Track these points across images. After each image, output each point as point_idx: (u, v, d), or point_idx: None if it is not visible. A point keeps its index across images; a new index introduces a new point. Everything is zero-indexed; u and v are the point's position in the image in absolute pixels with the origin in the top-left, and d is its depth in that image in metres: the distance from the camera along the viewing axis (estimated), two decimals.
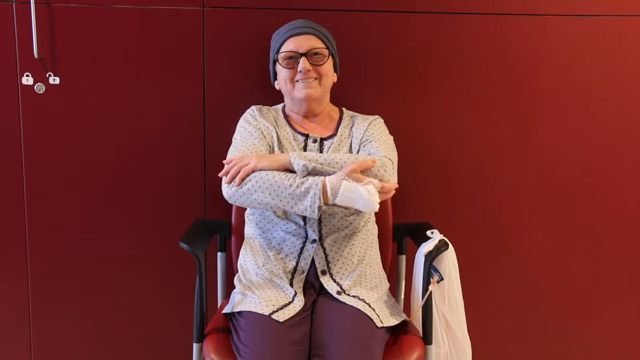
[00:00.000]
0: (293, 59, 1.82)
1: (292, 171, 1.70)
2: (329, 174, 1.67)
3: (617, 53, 2.13)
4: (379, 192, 1.66)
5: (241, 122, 1.90)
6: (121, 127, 2.11)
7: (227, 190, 1.73)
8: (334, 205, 1.69)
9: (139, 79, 2.08)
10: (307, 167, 1.66)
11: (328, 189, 1.64)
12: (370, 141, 1.82)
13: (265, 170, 1.69)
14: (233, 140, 1.87)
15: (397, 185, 1.73)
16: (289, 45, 1.83)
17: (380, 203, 1.66)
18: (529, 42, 2.11)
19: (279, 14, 2.04)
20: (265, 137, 1.83)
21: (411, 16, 2.08)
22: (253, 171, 1.70)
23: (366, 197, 1.61)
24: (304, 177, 1.66)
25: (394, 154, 1.81)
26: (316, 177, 1.66)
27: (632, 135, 2.18)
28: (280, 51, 1.84)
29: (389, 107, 2.11)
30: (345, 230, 1.80)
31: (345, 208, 1.77)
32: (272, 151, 1.82)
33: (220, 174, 1.76)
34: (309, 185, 1.64)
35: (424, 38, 2.09)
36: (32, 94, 2.08)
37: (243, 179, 1.69)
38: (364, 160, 1.67)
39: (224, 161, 1.77)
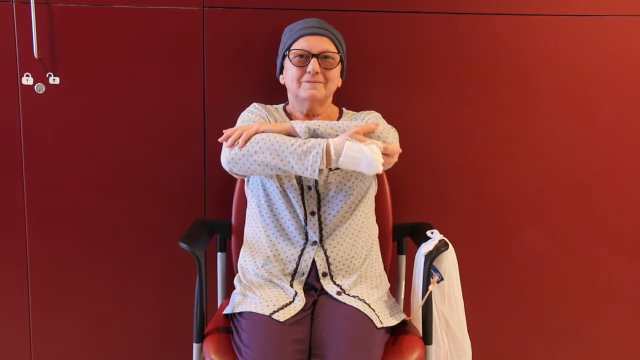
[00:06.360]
0: (304, 57, 1.81)
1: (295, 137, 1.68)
2: (332, 137, 1.66)
3: (617, 53, 2.13)
4: (383, 153, 1.64)
5: (243, 113, 1.88)
6: (121, 127, 2.11)
7: (227, 154, 1.69)
8: (336, 169, 1.66)
9: (139, 79, 2.08)
10: (309, 128, 1.65)
11: (331, 148, 1.62)
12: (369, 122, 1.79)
13: (268, 132, 1.68)
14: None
15: (400, 150, 1.71)
16: (302, 44, 1.81)
17: (383, 169, 1.64)
18: (530, 42, 2.11)
19: (279, 14, 2.04)
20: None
21: (411, 16, 2.08)
22: (256, 133, 1.67)
23: (370, 156, 1.59)
24: (306, 138, 1.65)
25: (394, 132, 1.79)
26: (319, 139, 1.65)
27: (632, 135, 2.18)
28: (292, 48, 1.83)
29: (389, 107, 2.10)
30: (346, 225, 1.79)
31: (345, 185, 1.76)
32: None
33: (220, 139, 1.72)
34: (311, 145, 1.62)
35: (425, 38, 2.09)
36: (32, 94, 2.07)
37: (246, 141, 1.66)
38: (367, 124, 1.66)
39: (225, 130, 1.73)
